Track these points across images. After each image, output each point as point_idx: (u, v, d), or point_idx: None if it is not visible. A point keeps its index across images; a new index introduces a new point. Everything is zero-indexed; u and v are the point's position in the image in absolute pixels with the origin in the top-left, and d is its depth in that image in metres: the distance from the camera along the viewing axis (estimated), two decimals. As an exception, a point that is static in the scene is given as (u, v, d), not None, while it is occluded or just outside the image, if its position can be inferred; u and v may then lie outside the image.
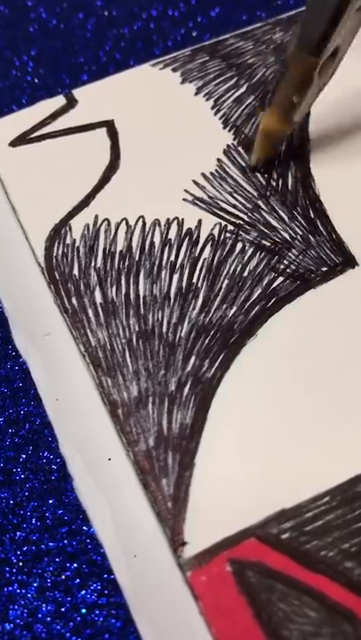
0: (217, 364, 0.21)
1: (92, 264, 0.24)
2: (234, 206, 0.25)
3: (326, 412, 0.20)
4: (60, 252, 0.24)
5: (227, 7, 0.32)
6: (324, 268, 0.23)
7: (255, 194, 0.25)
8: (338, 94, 0.27)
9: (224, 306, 0.23)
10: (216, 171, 0.26)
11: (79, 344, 0.22)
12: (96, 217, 0.25)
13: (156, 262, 0.24)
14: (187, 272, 0.23)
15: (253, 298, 0.23)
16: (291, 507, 0.19)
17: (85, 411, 0.21)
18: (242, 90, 0.28)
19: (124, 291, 0.23)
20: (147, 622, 0.18)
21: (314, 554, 0.18)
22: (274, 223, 0.24)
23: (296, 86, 0.22)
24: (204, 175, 0.26)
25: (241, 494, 0.19)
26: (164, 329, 0.22)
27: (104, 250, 0.24)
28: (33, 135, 0.28)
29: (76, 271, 0.24)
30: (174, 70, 0.29)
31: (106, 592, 0.19)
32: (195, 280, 0.23)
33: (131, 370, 0.22)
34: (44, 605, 0.19)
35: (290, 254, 0.24)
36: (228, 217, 0.25)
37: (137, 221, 0.25)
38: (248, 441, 0.20)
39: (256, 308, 0.22)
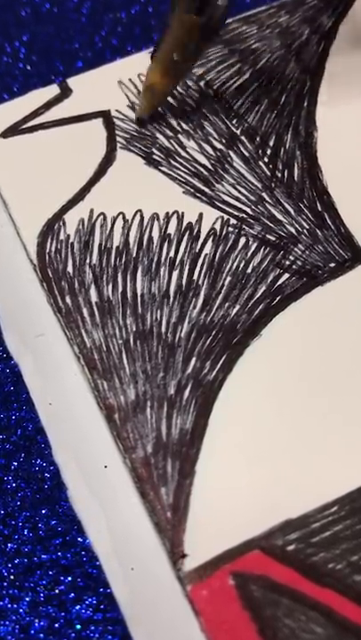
0: (219, 365, 0.21)
1: (87, 261, 0.24)
2: (237, 199, 0.25)
3: (334, 417, 0.20)
4: (53, 249, 0.24)
5: (229, -11, 0.31)
6: (333, 264, 0.23)
7: (259, 185, 0.25)
8: (347, 80, 0.27)
9: (226, 304, 0.23)
10: (218, 161, 0.26)
11: (73, 345, 0.22)
12: (91, 211, 0.25)
13: (155, 258, 0.24)
14: (187, 269, 0.23)
15: (257, 296, 0.23)
16: (297, 517, 0.19)
17: (80, 416, 0.21)
18: (245, 76, 0.28)
19: (120, 289, 0.23)
20: (145, 639, 0.18)
21: (321, 566, 0.18)
22: (279, 216, 0.24)
23: (177, 44, 0.25)
24: (205, 166, 0.26)
25: (244, 504, 0.19)
26: (163, 329, 0.22)
27: (100, 246, 0.24)
28: (25, 126, 0.27)
29: (70, 268, 0.24)
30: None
31: (102, 607, 0.19)
32: (195, 277, 0.23)
33: (128, 372, 0.21)
34: (36, 621, 0.19)
35: (296, 249, 0.24)
36: (230, 210, 0.25)
37: (134, 216, 0.25)
38: (252, 447, 0.20)
39: (260, 307, 0.22)
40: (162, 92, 0.26)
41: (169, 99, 0.28)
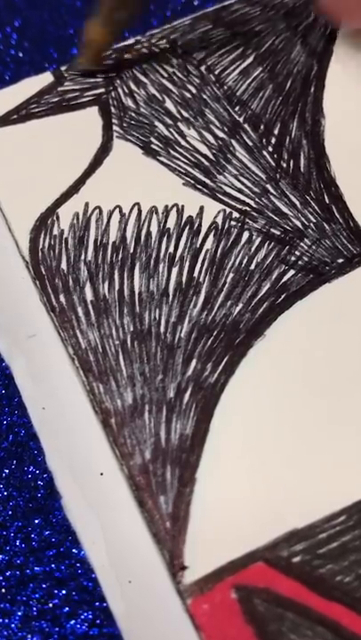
0: (220, 367, 0.21)
1: (82, 257, 0.24)
2: (239, 191, 0.25)
3: (342, 422, 0.20)
4: (46, 244, 0.24)
5: (232, -31, 0.31)
6: (341, 260, 0.23)
7: (263, 177, 0.25)
8: (356, 64, 0.27)
9: (229, 303, 0.22)
10: (220, 151, 0.26)
11: (68, 346, 0.22)
12: (86, 205, 0.25)
13: (153, 254, 0.24)
14: (187, 265, 0.23)
15: (261, 294, 0.23)
16: (303, 527, 0.19)
17: (75, 420, 0.21)
18: (248, 61, 0.28)
19: (117, 287, 0.23)
20: (143, 655, 0.18)
21: (328, 579, 0.18)
22: (284, 209, 0.24)
23: (116, 3, 0.26)
24: (206, 156, 0.26)
25: (247, 513, 0.19)
26: (162, 329, 0.22)
27: (95, 241, 0.24)
28: (17, 115, 0.27)
29: (64, 265, 0.24)
30: (174, 41, 0.29)
31: (98, 622, 0.19)
32: (196, 274, 0.23)
33: (125, 374, 0.21)
34: (29, 636, 0.19)
35: (302, 244, 0.23)
36: (233, 203, 0.24)
37: (131, 209, 0.25)
38: (255, 453, 0.20)
39: (264, 306, 0.22)
40: (101, 47, 0.28)
41: (168, 84, 0.27)
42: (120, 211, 0.25)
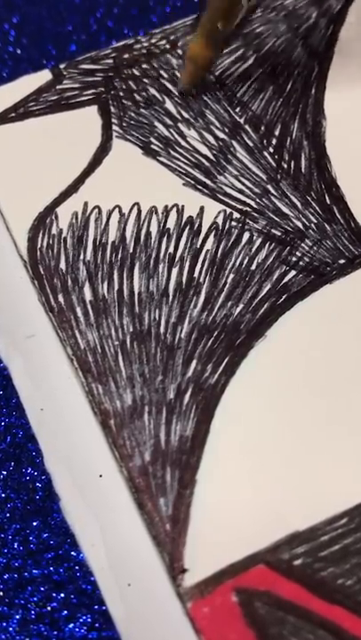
0: (221, 368, 0.21)
1: (81, 257, 0.24)
2: (240, 191, 0.25)
3: (344, 423, 0.20)
4: (45, 244, 0.24)
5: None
6: (342, 261, 0.23)
7: (264, 177, 0.25)
8: (357, 66, 0.27)
9: (229, 303, 0.23)
10: (220, 151, 0.26)
11: (66, 346, 0.22)
12: (85, 204, 0.25)
13: (153, 255, 0.24)
14: (187, 265, 0.23)
15: (262, 294, 0.23)
16: (304, 529, 0.19)
17: (73, 422, 0.21)
18: (249, 62, 0.28)
19: (116, 287, 0.23)
20: (142, 659, 0.18)
21: (330, 582, 0.18)
22: (285, 210, 0.24)
23: (221, 11, 0.25)
24: (206, 157, 0.26)
25: (248, 515, 0.19)
26: (162, 329, 0.22)
27: (94, 241, 0.24)
28: (15, 113, 0.27)
29: (62, 265, 0.24)
30: (174, 42, 0.29)
31: (97, 625, 0.19)
32: (196, 274, 0.23)
33: (124, 375, 0.21)
34: (27, 640, 0.19)
35: (303, 245, 0.24)
36: (233, 203, 0.25)
37: (131, 209, 0.25)
38: (256, 455, 0.20)
39: (265, 306, 0.22)
40: (205, 62, 0.27)
41: (168, 84, 0.28)
42: (119, 210, 0.25)
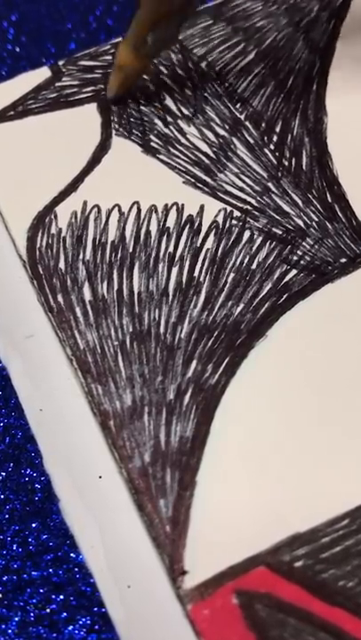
0: (221, 368, 0.21)
1: (81, 256, 0.24)
2: (241, 189, 0.25)
3: (345, 424, 0.20)
4: (44, 244, 0.24)
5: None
6: (343, 260, 0.23)
7: (265, 175, 0.25)
8: (360, 61, 0.27)
9: (229, 303, 0.23)
10: (221, 149, 0.26)
11: (66, 347, 0.22)
12: (85, 203, 0.25)
13: (153, 254, 0.24)
14: (187, 265, 0.23)
15: (263, 294, 0.23)
16: (305, 531, 0.19)
17: (73, 423, 0.21)
18: (250, 57, 0.28)
19: (116, 286, 0.23)
20: (142, 662, 0.18)
21: (331, 584, 0.18)
22: (286, 208, 0.24)
23: (149, 23, 0.24)
24: (206, 154, 0.26)
25: (248, 517, 0.19)
26: (162, 329, 0.22)
27: (94, 240, 0.24)
28: (14, 111, 0.28)
29: (62, 265, 0.24)
30: (173, 36, 0.29)
31: (96, 627, 0.19)
32: (196, 274, 0.23)
33: (124, 376, 0.21)
34: (26, 642, 0.19)
35: (304, 244, 0.23)
36: (233, 201, 0.25)
37: (131, 208, 0.25)
38: (256, 456, 0.20)
39: (266, 306, 0.22)
40: (133, 72, 0.26)
41: (168, 80, 0.28)
42: (119, 209, 0.25)
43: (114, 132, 0.27)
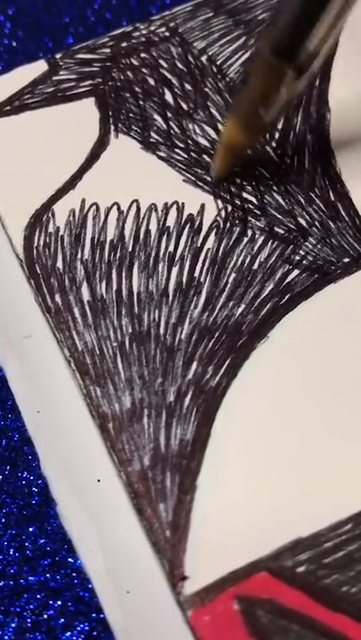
0: (222, 370, 0.21)
1: (79, 256, 0.24)
2: (242, 188, 0.25)
3: (349, 427, 0.20)
4: (41, 242, 0.24)
5: None
6: (347, 259, 0.23)
7: (266, 173, 0.25)
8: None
9: (230, 304, 0.23)
10: (221, 146, 0.26)
11: (64, 348, 0.22)
12: (83, 201, 0.25)
13: (153, 253, 0.24)
14: (187, 265, 0.23)
15: (264, 294, 0.23)
16: (307, 535, 0.19)
17: (71, 425, 0.21)
18: (252, 51, 0.28)
19: (115, 286, 0.23)
20: (142, 668, 0.18)
21: (335, 590, 0.18)
22: (288, 207, 0.24)
23: (263, 96, 0.22)
24: (207, 152, 0.26)
25: (250, 521, 0.19)
26: (162, 330, 0.22)
27: (92, 239, 0.24)
28: (10, 106, 0.27)
29: (60, 264, 0.24)
30: (174, 29, 0.29)
31: (95, 634, 0.19)
32: (197, 274, 0.23)
33: (123, 378, 0.22)
34: (23, 649, 0.19)
35: (306, 243, 0.24)
36: (235, 200, 0.25)
37: (130, 206, 0.25)
38: (258, 459, 0.20)
39: (267, 306, 0.22)
40: (243, 151, 0.24)
41: (168, 75, 0.28)
42: (118, 208, 0.25)
43: (112, 127, 0.27)
